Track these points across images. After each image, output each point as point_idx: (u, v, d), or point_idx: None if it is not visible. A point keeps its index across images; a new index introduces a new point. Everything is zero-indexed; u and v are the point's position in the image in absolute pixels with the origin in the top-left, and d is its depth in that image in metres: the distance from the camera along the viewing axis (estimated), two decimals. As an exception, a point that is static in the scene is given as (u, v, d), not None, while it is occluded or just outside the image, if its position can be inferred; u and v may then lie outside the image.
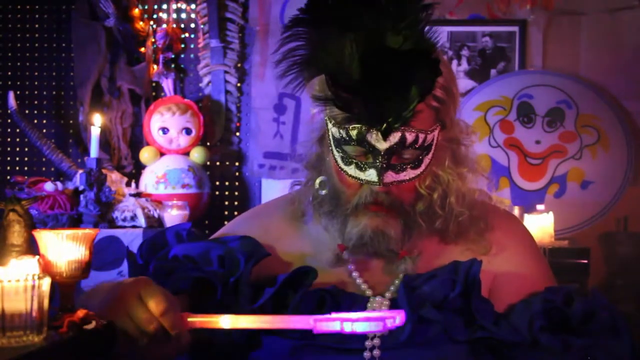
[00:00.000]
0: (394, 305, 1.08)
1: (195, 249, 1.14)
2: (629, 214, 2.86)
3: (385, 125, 0.99)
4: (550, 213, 2.61)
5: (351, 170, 1.07)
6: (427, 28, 0.95)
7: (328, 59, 0.96)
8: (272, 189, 3.15)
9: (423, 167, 1.08)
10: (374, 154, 1.04)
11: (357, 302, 1.09)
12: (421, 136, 1.05)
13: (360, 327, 0.88)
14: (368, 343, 1.05)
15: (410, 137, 1.03)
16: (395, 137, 1.02)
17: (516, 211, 2.64)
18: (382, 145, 1.03)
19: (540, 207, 2.71)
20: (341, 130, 1.05)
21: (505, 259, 1.15)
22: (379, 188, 1.05)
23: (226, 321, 0.95)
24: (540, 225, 2.57)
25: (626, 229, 2.87)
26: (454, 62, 3.06)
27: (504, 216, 1.24)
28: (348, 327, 0.89)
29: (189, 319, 0.95)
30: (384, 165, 1.04)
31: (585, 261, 2.51)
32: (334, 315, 0.87)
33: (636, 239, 2.85)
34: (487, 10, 3.06)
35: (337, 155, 1.08)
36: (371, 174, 1.04)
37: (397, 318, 0.87)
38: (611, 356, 1.02)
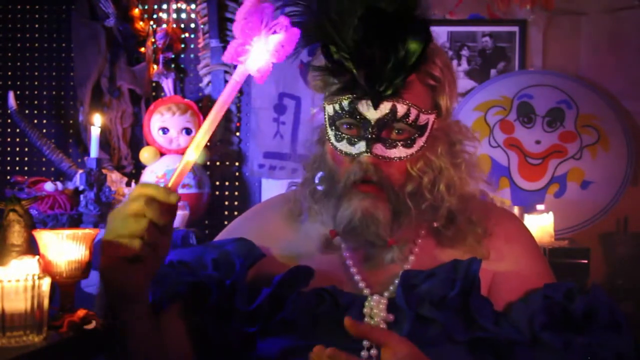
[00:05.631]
0: (392, 304, 1.07)
1: (189, 254, 1.14)
2: (629, 214, 2.86)
3: (375, 92, 1.01)
4: (550, 213, 2.61)
5: (342, 145, 1.08)
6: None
7: (325, 25, 0.99)
8: (272, 189, 3.14)
9: (416, 147, 1.07)
10: (364, 125, 1.05)
11: (355, 302, 1.08)
12: (413, 111, 1.05)
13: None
14: (366, 343, 1.05)
15: (401, 109, 1.04)
16: (385, 107, 1.03)
17: (516, 211, 2.64)
18: (373, 115, 1.03)
19: (540, 207, 2.71)
20: (335, 105, 1.07)
21: (504, 257, 1.14)
22: (367, 157, 1.04)
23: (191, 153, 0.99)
24: (540, 225, 2.57)
25: (626, 229, 2.87)
26: (454, 62, 3.06)
27: (503, 214, 1.23)
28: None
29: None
30: (374, 137, 1.04)
31: (585, 261, 2.51)
32: None
33: (636, 239, 2.86)
34: (487, 10, 3.06)
35: (331, 134, 1.09)
36: (360, 146, 1.05)
37: None
38: (613, 353, 1.01)
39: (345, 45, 0.99)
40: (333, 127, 1.09)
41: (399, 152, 1.06)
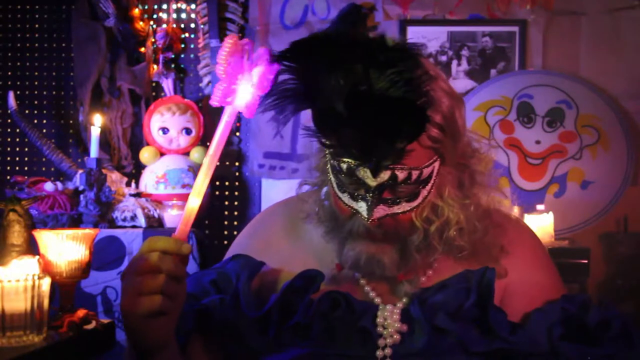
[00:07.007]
0: (404, 314, 1.06)
1: (189, 283, 1.12)
2: (629, 214, 2.86)
3: (373, 163, 0.96)
4: (550, 213, 2.61)
5: (345, 198, 1.04)
6: (418, 74, 0.90)
7: (317, 94, 0.93)
8: (272, 189, 3.14)
9: (420, 199, 1.04)
10: (364, 188, 1.02)
11: (368, 310, 1.07)
12: (414, 173, 1.01)
13: None
14: (381, 341, 1.05)
15: (401, 174, 1.00)
16: (385, 175, 0.99)
17: (516, 211, 2.64)
18: (372, 182, 1.00)
19: (540, 207, 2.70)
20: (334, 162, 1.03)
21: (516, 268, 1.13)
22: (369, 223, 1.02)
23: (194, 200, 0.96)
24: (540, 225, 2.56)
25: (626, 229, 2.87)
26: (454, 62, 3.06)
27: (516, 227, 1.21)
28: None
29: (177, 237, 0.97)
30: (375, 200, 1.01)
31: (585, 261, 2.51)
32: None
33: (636, 239, 2.85)
34: (487, 10, 3.05)
35: (334, 181, 1.06)
36: (362, 207, 1.02)
37: None
38: None
39: (338, 116, 0.90)
40: (335, 176, 1.06)
41: (402, 207, 1.03)
